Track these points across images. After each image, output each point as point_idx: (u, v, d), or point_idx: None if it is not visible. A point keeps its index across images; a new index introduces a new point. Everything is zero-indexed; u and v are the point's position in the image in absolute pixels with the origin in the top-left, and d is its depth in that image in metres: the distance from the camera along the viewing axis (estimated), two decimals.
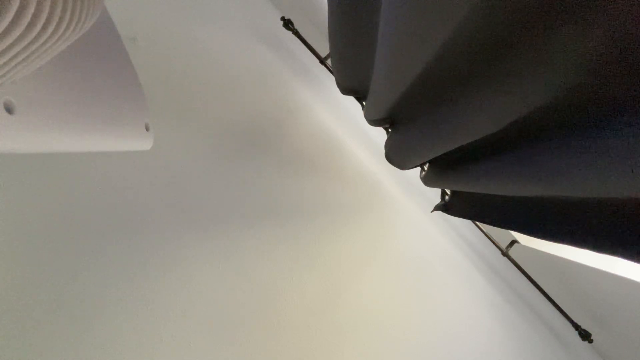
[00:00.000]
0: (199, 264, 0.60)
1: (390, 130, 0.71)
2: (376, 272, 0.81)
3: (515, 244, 0.91)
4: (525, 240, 0.93)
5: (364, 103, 0.77)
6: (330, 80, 0.96)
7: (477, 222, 0.93)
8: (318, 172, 0.84)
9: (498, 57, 0.31)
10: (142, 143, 0.40)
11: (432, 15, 0.31)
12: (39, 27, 0.16)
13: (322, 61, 0.86)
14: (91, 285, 0.50)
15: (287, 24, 0.83)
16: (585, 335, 0.88)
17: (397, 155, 0.70)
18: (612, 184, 0.28)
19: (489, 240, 0.92)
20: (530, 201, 0.49)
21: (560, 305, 0.91)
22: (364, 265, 0.80)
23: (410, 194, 0.98)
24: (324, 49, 0.86)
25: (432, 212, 0.85)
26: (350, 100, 0.94)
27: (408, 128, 0.58)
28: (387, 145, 0.73)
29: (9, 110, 0.22)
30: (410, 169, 0.75)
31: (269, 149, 0.78)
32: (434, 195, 0.99)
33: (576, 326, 0.89)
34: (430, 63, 0.38)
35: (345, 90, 0.77)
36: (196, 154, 0.67)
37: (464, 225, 1.04)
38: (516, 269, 0.92)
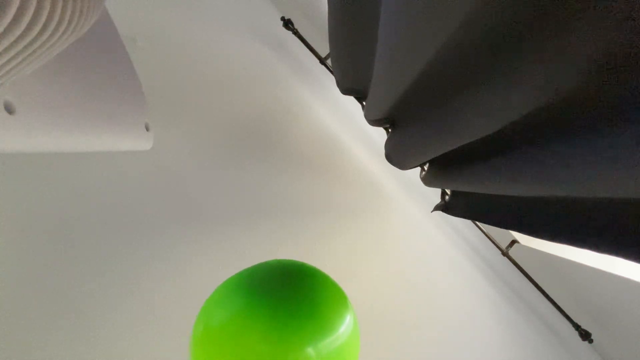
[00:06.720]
0: (199, 263, 0.60)
1: (390, 130, 0.71)
2: (376, 272, 0.81)
3: (515, 244, 0.91)
4: (525, 240, 0.93)
5: (364, 103, 0.77)
6: (330, 80, 0.96)
7: (477, 222, 0.93)
8: (318, 172, 0.84)
9: (498, 57, 0.31)
10: (142, 143, 0.40)
11: (433, 15, 0.31)
12: (39, 27, 0.16)
13: (322, 61, 0.86)
14: (90, 285, 0.50)
15: (287, 24, 0.83)
16: (585, 335, 0.88)
17: (397, 155, 0.70)
18: (613, 184, 0.28)
19: (489, 240, 0.92)
20: (530, 201, 0.49)
21: (560, 305, 0.91)
22: (364, 265, 0.80)
23: (410, 194, 0.98)
24: (324, 49, 0.86)
25: (432, 212, 0.85)
26: (350, 100, 0.94)
27: (408, 128, 0.58)
28: (387, 145, 0.73)
29: (9, 110, 0.22)
30: (410, 169, 0.75)
31: (268, 149, 0.78)
32: (434, 195, 0.99)
33: (576, 326, 0.89)
34: (430, 63, 0.38)
35: (345, 90, 0.77)
36: (196, 154, 0.67)
37: (464, 225, 1.04)
38: (516, 269, 0.92)
